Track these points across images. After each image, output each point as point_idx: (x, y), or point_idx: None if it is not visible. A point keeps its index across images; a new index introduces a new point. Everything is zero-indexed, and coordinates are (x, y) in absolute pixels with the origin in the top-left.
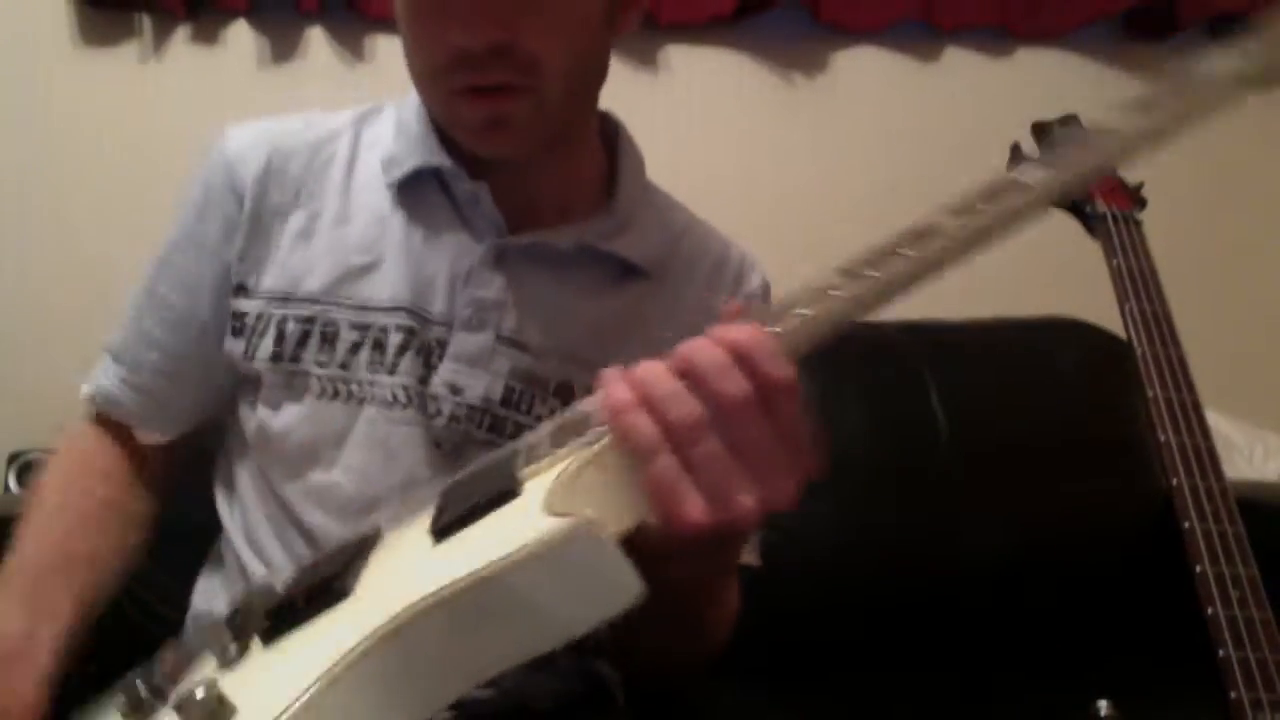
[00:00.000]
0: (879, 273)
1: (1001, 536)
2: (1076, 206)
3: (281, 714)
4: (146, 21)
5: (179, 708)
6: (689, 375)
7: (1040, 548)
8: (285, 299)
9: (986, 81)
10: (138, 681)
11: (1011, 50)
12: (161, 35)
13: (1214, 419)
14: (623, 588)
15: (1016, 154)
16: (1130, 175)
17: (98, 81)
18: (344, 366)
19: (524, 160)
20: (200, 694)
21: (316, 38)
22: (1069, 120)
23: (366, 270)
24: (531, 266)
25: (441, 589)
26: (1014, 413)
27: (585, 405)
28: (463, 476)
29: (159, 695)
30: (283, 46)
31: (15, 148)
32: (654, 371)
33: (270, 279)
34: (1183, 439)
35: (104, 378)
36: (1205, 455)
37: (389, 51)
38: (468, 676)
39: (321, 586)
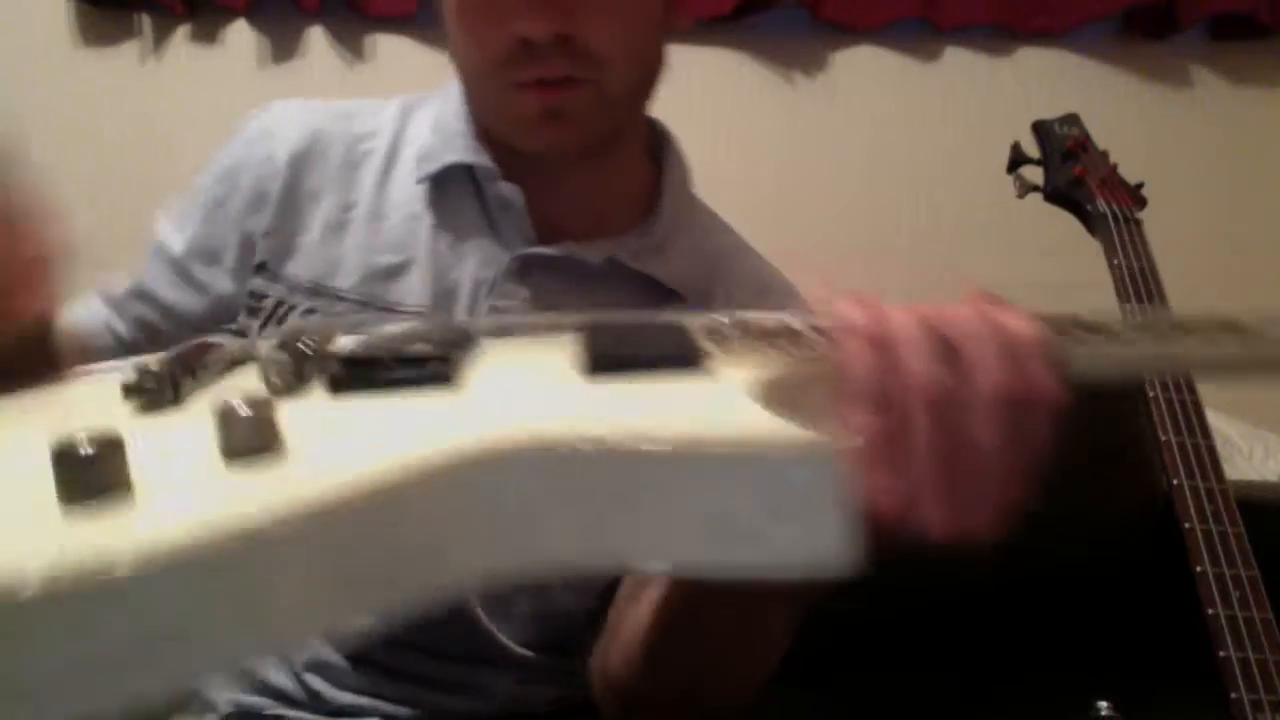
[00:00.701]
0: (1187, 344)
1: (1001, 536)
2: (1078, 206)
3: (360, 477)
4: (146, 21)
5: (219, 416)
6: (942, 337)
7: (1040, 548)
8: (313, 291)
9: (986, 81)
10: (151, 365)
11: (1011, 50)
12: (161, 35)
13: (1214, 419)
14: (841, 544)
15: (1017, 153)
16: (1131, 175)
17: (98, 81)
18: None
19: (572, 158)
20: (245, 409)
21: (316, 37)
22: (1069, 119)
23: (396, 271)
24: (558, 280)
25: (620, 431)
26: None
27: (788, 314)
28: (612, 321)
29: (174, 385)
30: (283, 46)
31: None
32: (904, 314)
33: (298, 266)
34: (1183, 439)
35: (85, 310)
36: (1206, 455)
37: (389, 51)
38: (563, 558)
39: (418, 358)
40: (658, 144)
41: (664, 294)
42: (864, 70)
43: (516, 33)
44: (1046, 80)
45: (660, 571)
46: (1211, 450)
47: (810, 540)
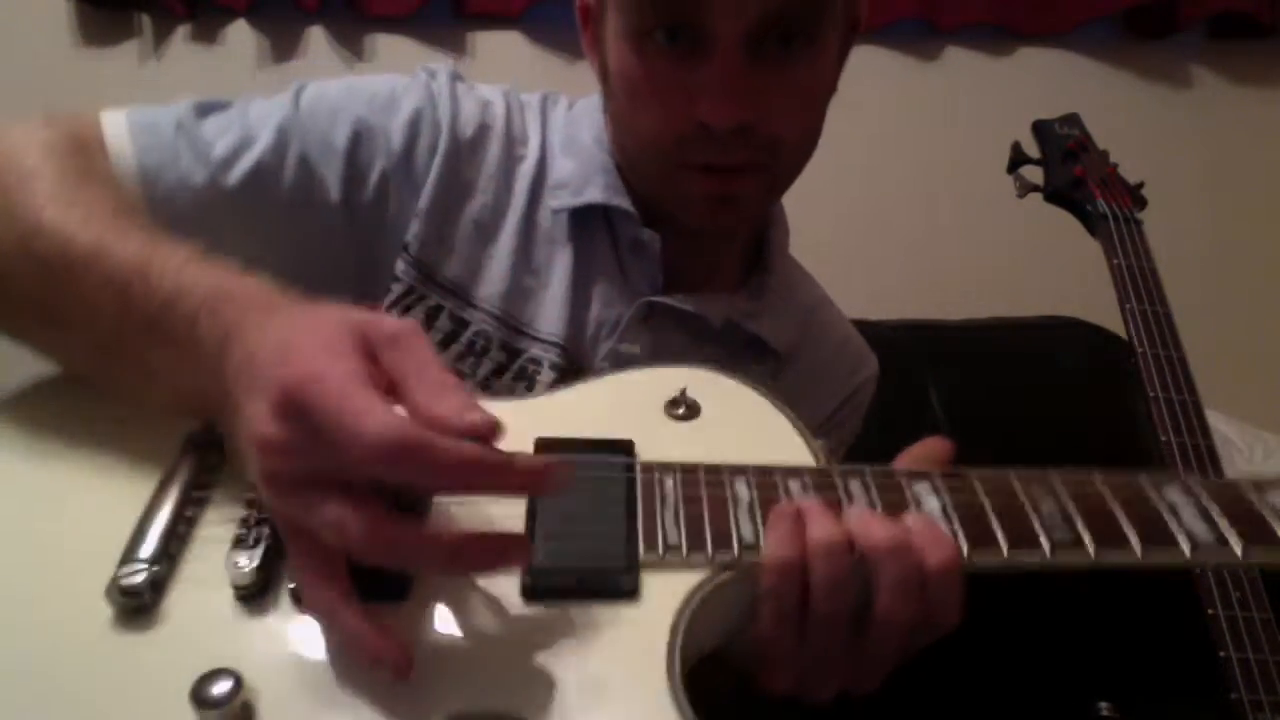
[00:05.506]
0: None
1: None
2: (1078, 206)
3: None
4: (146, 21)
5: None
6: (858, 566)
7: None
8: (452, 292)
9: (986, 81)
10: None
11: (1012, 49)
12: (161, 34)
13: (1214, 419)
14: None
15: (1017, 154)
16: (1131, 175)
17: (98, 81)
18: (483, 386)
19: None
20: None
21: (316, 37)
22: (1070, 119)
23: (534, 293)
24: (678, 331)
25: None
26: (1014, 412)
27: (726, 516)
28: (569, 498)
29: (153, 584)
30: (283, 46)
31: None
32: (826, 543)
33: (443, 258)
34: (1183, 439)
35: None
36: (1205, 455)
37: (389, 51)
38: None
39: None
40: None
41: (765, 351)
42: (864, 70)
43: (699, 117)
44: (1046, 80)
45: None
46: (1211, 450)
47: None
